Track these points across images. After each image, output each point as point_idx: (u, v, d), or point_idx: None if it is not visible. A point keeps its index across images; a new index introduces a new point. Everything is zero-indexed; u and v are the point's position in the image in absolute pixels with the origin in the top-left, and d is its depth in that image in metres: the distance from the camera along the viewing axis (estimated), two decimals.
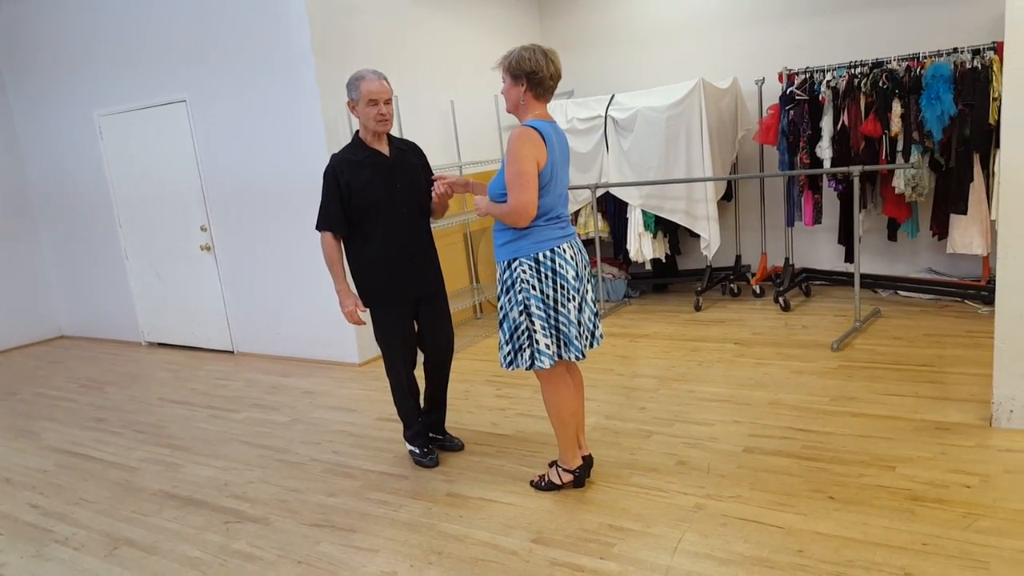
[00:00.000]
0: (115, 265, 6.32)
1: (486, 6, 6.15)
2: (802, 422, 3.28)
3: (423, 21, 5.49)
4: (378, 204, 2.97)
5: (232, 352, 5.73)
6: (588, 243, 6.25)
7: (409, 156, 3.09)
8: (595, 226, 5.64)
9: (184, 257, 5.78)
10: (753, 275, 5.96)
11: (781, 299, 5.24)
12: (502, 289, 2.68)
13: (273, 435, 3.84)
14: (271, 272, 5.26)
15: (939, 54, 4.67)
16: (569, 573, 2.32)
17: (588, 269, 2.76)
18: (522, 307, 2.62)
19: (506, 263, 2.65)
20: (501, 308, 2.70)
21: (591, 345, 2.77)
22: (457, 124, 5.81)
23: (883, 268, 5.67)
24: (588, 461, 2.91)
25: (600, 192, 5.68)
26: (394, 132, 5.06)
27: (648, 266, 5.94)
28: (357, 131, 3.04)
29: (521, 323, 2.64)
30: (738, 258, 6.04)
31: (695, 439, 3.22)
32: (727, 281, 5.92)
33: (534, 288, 2.60)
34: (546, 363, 2.62)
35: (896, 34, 5.34)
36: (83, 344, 6.59)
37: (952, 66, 4.50)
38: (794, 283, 5.54)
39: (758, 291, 5.72)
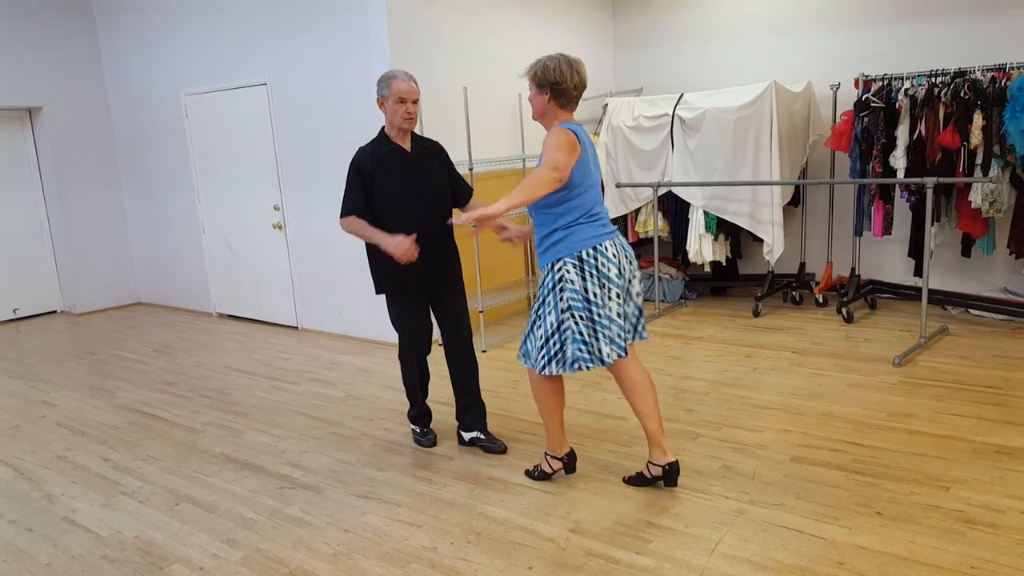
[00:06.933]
0: (192, 239, 6.62)
1: (560, 2, 6.16)
2: (855, 436, 3.22)
3: (498, 15, 5.55)
4: (396, 196, 3.13)
5: (296, 327, 5.94)
6: (647, 242, 6.22)
7: (431, 154, 3.24)
8: (655, 225, 5.60)
9: (257, 234, 6.02)
10: (817, 284, 5.82)
11: (844, 310, 5.11)
12: (544, 291, 2.67)
13: (328, 408, 3.98)
14: (336, 254, 5.43)
15: None
16: (604, 564, 2.36)
17: (634, 264, 2.74)
18: (566, 306, 2.61)
19: (550, 265, 2.65)
20: (538, 310, 2.69)
21: (634, 338, 2.78)
22: (523, 118, 5.86)
23: (955, 285, 5.46)
24: (674, 467, 2.78)
25: (662, 191, 5.65)
26: (459, 123, 5.16)
27: (707, 268, 5.87)
28: (383, 127, 3.20)
29: (564, 323, 2.62)
30: (802, 265, 5.90)
31: (742, 444, 3.20)
32: (789, 288, 5.80)
33: (578, 286, 2.60)
34: (589, 366, 2.62)
35: (981, 44, 5.11)
36: (158, 311, 6.94)
37: None
38: (859, 294, 5.39)
39: (821, 300, 5.59)
